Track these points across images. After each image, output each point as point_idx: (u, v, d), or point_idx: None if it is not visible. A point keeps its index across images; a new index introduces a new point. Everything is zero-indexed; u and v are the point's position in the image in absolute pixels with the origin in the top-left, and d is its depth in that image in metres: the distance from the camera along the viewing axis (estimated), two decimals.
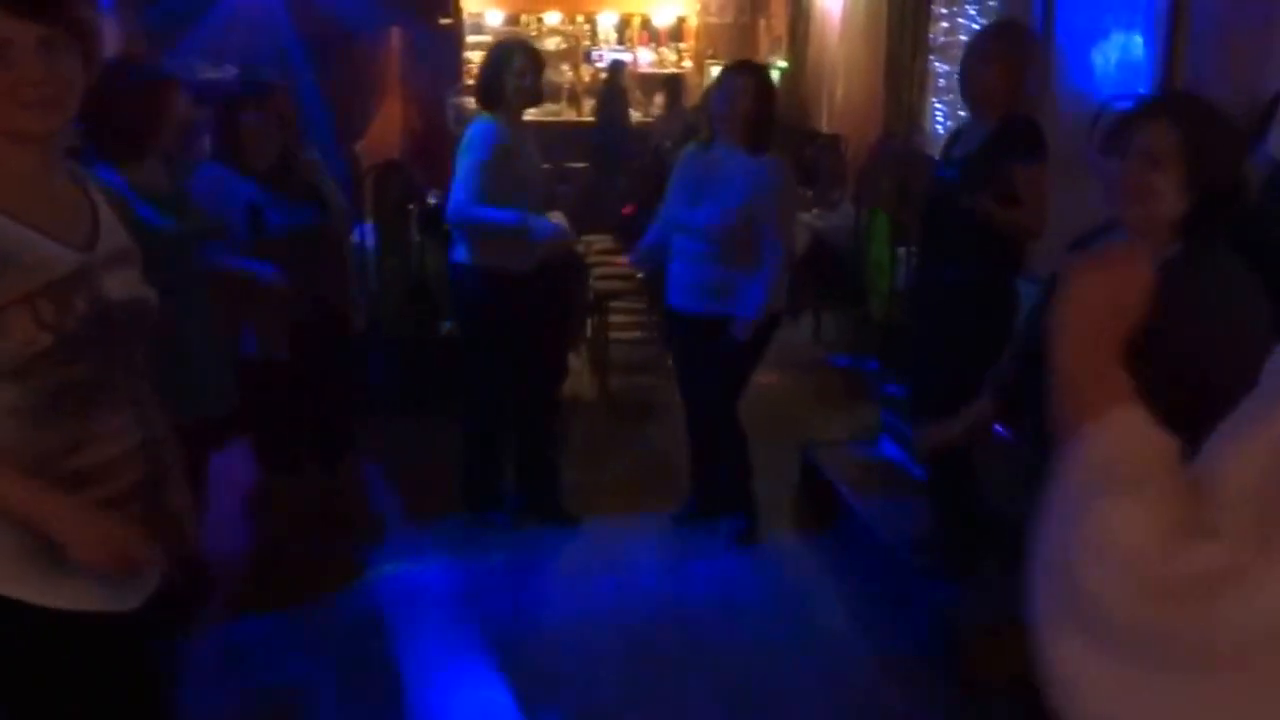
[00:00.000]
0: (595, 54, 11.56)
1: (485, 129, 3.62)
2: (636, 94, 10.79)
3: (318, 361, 3.68)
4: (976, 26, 5.58)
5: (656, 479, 4.52)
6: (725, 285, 3.60)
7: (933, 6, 6.59)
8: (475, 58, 11.31)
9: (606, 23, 11.77)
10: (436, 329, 5.19)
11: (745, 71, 3.68)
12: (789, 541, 4.08)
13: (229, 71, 7.30)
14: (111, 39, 7.51)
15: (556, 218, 4.76)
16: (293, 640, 3.26)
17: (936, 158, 3.74)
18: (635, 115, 10.27)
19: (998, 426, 2.44)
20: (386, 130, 7.38)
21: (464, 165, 3.58)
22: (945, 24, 6.48)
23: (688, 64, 11.67)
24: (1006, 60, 3.14)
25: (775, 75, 9.74)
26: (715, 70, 11.11)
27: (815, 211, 6.97)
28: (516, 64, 3.62)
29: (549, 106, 11.38)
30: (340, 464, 4.00)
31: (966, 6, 6.13)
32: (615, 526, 4.12)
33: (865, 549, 3.81)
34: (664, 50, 11.80)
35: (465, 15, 11.05)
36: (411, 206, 5.38)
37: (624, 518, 4.19)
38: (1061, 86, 4.33)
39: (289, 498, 3.92)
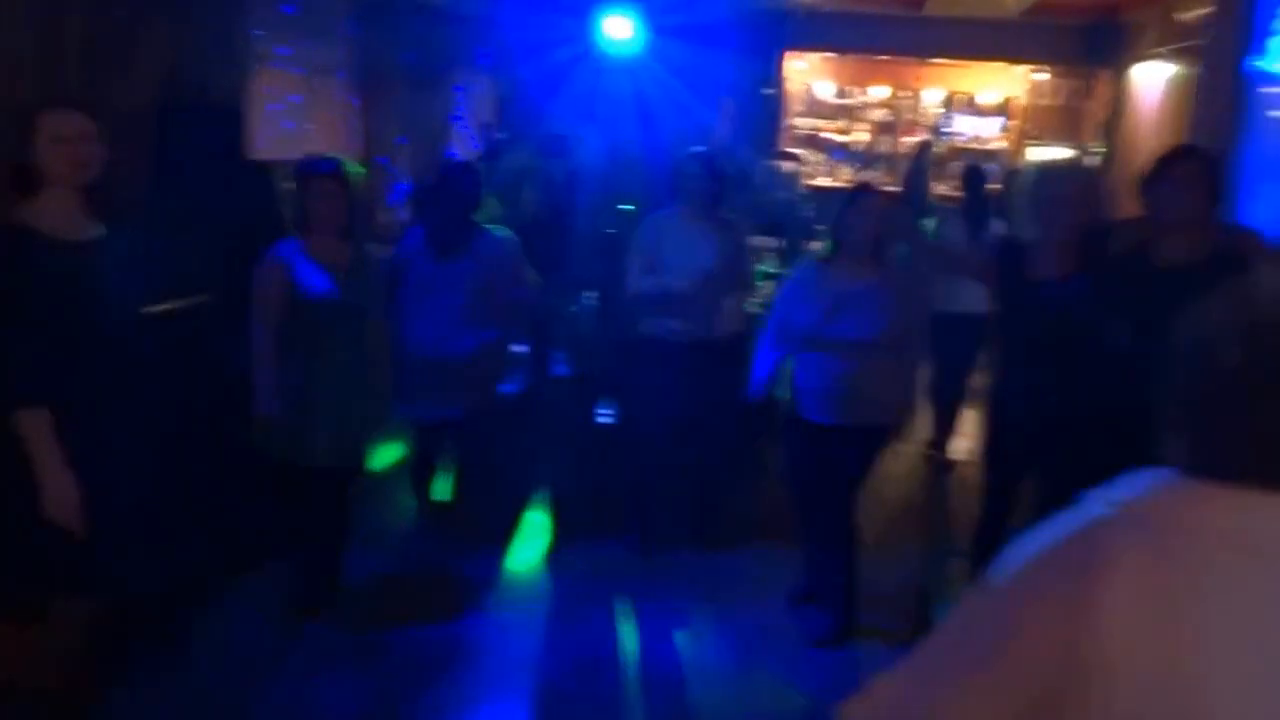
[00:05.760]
0: (941, 127, 12.20)
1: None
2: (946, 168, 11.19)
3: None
4: None
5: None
6: (867, 394, 3.63)
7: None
8: (801, 124, 12.33)
9: (930, 98, 12.32)
10: None
11: (873, 193, 3.78)
12: (872, 650, 3.81)
13: (590, 131, 8.60)
14: (488, 97, 9.08)
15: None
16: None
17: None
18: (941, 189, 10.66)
19: None
20: None
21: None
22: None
23: (1001, 144, 11.97)
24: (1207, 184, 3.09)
25: (1093, 160, 9.94)
26: (1032, 151, 11.39)
27: None
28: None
29: (869, 174, 12.09)
30: None
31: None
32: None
33: None
34: (985, 124, 12.15)
35: (796, 85, 12.04)
36: None
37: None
38: None
39: None
